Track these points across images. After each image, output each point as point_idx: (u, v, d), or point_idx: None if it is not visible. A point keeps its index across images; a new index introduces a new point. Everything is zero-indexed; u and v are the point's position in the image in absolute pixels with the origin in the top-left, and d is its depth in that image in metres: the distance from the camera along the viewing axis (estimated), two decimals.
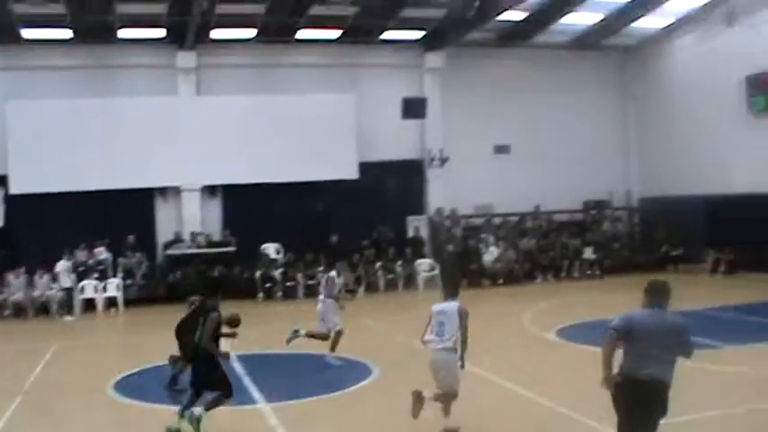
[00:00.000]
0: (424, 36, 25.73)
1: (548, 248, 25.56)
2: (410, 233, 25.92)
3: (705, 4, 24.72)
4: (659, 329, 6.30)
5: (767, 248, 21.63)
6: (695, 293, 17.89)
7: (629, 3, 24.25)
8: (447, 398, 8.71)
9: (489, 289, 23.34)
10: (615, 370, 6.34)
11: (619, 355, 6.41)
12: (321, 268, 21.41)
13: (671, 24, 26.62)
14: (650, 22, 26.52)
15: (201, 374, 9.05)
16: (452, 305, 8.80)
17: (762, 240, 21.75)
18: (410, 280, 24.00)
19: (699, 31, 25.70)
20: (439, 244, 25.55)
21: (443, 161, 26.04)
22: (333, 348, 12.88)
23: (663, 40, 27.67)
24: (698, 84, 25.71)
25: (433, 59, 26.11)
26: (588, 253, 25.37)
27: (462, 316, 8.65)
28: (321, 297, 13.43)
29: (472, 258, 24.31)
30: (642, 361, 6.22)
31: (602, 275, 24.75)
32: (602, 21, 25.87)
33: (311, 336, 13.03)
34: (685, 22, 26.09)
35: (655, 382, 6.21)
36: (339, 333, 12.87)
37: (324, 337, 12.95)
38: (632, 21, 25.97)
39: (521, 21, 24.96)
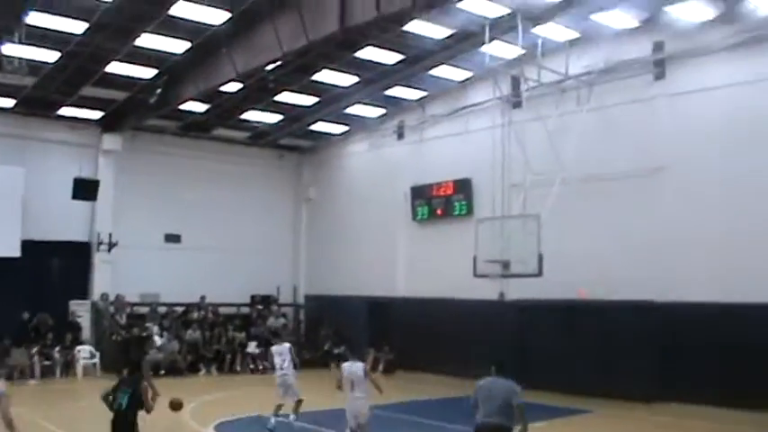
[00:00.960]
0: (103, 116, 29.19)
1: (213, 341, 29.78)
2: (71, 318, 28.48)
3: (379, 116, 31.59)
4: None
5: (424, 349, 27.67)
6: None
7: (309, 106, 30.00)
8: None
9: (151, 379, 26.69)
10: None
11: None
12: None
13: (347, 131, 33.48)
14: (328, 127, 33.11)
15: None
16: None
17: (418, 342, 28.01)
18: (69, 367, 26.58)
19: (372, 139, 32.51)
20: (102, 330, 28.66)
21: (112, 246, 29.53)
22: None
23: (338, 145, 34.49)
24: (368, 190, 32.51)
25: (111, 141, 29.77)
26: (252, 347, 29.88)
27: (143, 392, 11.08)
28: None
29: (144, 346, 26.45)
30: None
31: (264, 370, 28.08)
32: (281, 120, 31.68)
33: None
34: (360, 130, 32.90)
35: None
36: None
37: None
38: (310, 124, 32.24)
39: (202, 112, 29.63)
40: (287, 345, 19.06)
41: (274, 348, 18.90)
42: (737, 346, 19.96)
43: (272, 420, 17.37)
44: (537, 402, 21.53)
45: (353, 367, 14.27)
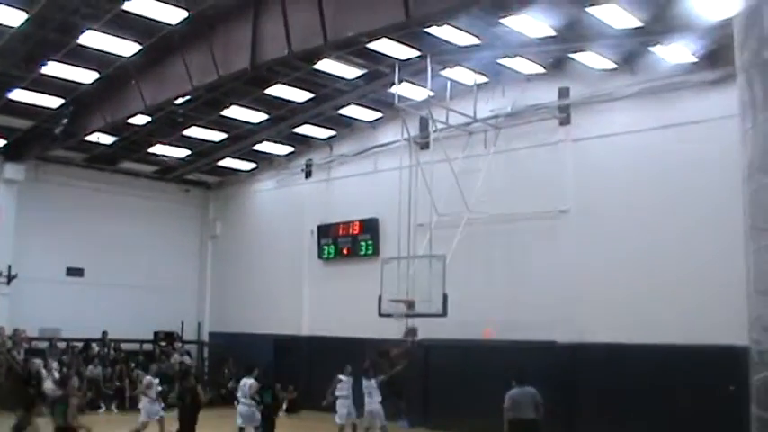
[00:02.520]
0: (6, 145, 28.49)
1: (114, 377, 29.06)
2: None
3: (287, 154, 31.61)
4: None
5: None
6: None
7: (217, 142, 29.88)
8: None
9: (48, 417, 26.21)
10: None
11: None
12: None
13: (254, 168, 33.32)
14: (236, 164, 32.92)
15: None
16: None
17: (324, 381, 25.62)
18: None
19: (280, 177, 32.38)
20: None
21: (11, 278, 28.66)
22: None
23: (246, 181, 34.23)
24: (275, 228, 32.32)
25: (13, 171, 29.00)
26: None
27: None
28: None
29: (31, 383, 27.19)
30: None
31: (165, 408, 28.79)
32: (189, 155, 31.38)
33: None
34: (268, 167, 32.82)
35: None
36: None
37: None
38: (218, 159, 32.02)
39: (109, 145, 29.01)
40: (251, 380, 19.77)
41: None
42: (638, 386, 20.36)
43: None
44: None
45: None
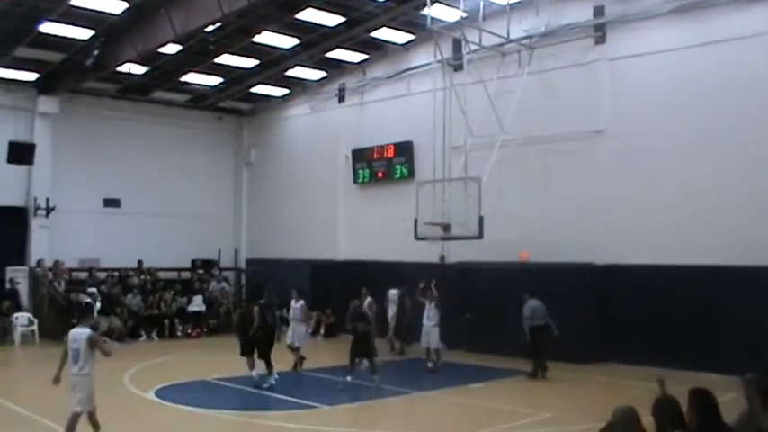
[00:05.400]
0: (39, 78, 28.58)
1: (153, 305, 29.34)
2: (8, 285, 27.93)
3: (320, 79, 31.37)
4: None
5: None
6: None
7: (249, 69, 29.59)
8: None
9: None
10: None
11: None
12: None
13: (287, 94, 33.18)
14: (268, 90, 32.80)
15: None
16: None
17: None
18: (6, 334, 26.14)
19: (313, 102, 32.22)
20: (40, 297, 28.20)
21: (49, 211, 29.07)
22: None
23: (279, 108, 34.19)
24: (309, 153, 32.34)
25: (47, 104, 29.13)
26: (198, 303, 29.86)
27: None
28: None
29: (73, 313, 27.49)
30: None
31: (200, 335, 28.97)
32: (221, 83, 31.27)
33: None
34: (301, 92, 32.63)
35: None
36: None
37: None
38: (251, 86, 31.89)
39: (141, 75, 29.01)
40: (301, 302, 21.13)
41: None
42: (675, 307, 20.34)
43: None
44: (475, 364, 22.09)
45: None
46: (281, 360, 19.87)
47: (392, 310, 24.83)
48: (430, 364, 21.38)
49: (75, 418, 11.39)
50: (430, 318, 21.57)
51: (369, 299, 23.18)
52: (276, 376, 18.53)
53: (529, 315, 19.91)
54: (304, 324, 21.41)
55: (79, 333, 11.50)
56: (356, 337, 19.12)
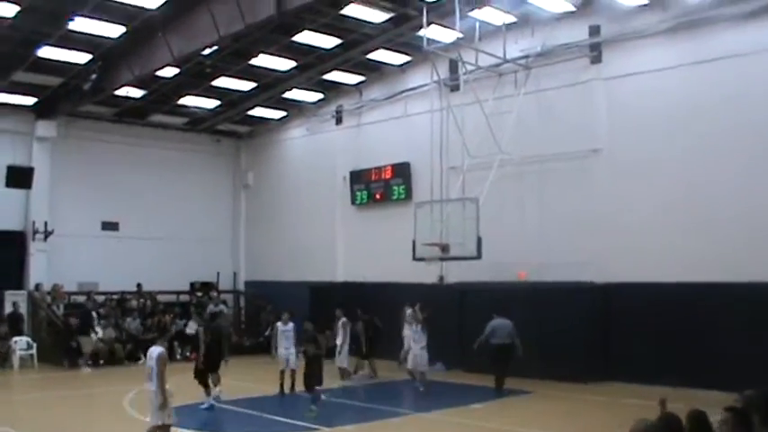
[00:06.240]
0: (37, 103, 28.69)
1: (152, 328, 29.08)
2: (8, 308, 27.76)
3: (317, 101, 31.50)
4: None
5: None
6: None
7: (246, 91, 29.71)
8: None
9: (89, 368, 25.85)
10: None
11: None
12: None
13: (285, 116, 33.27)
14: (266, 112, 32.87)
15: None
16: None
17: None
18: (5, 359, 25.87)
19: (310, 124, 32.33)
20: (39, 321, 28.04)
21: (48, 234, 29.09)
22: None
23: (277, 130, 34.27)
24: (307, 175, 32.41)
25: (45, 128, 29.28)
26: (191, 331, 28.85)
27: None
28: None
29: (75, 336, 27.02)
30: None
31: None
32: (218, 106, 31.33)
33: None
34: (298, 114, 32.77)
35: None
36: None
37: None
38: (248, 109, 31.98)
39: (139, 98, 29.00)
40: (290, 324, 21.23)
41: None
42: (674, 325, 20.34)
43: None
44: (476, 384, 21.98)
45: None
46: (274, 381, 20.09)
47: (405, 329, 24.33)
48: (421, 388, 21.11)
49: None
50: (416, 341, 21.38)
51: (343, 319, 23.49)
52: (212, 401, 18.52)
53: (488, 332, 20.65)
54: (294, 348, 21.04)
55: (152, 350, 11.96)
56: (307, 360, 18.52)
